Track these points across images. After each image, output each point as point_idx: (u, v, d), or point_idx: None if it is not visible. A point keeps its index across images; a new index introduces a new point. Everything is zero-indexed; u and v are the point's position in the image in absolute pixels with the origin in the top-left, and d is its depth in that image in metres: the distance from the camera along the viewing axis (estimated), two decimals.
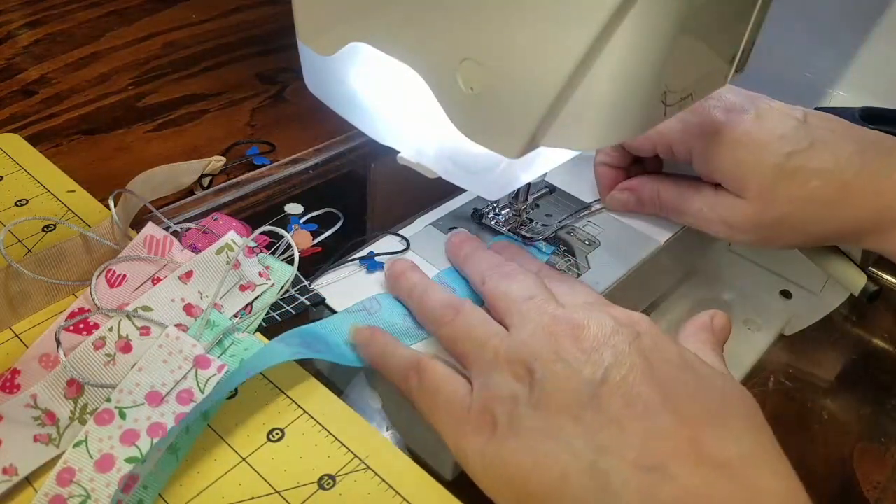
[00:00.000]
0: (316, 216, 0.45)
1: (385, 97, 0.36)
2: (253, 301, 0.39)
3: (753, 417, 0.29)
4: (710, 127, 0.40)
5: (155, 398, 0.32)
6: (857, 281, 0.45)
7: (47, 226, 0.42)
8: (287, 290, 0.40)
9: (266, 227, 0.41)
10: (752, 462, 0.27)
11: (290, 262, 0.41)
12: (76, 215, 0.43)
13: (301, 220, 0.45)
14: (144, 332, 0.35)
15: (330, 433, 0.33)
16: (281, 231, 0.41)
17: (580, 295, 0.35)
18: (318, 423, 0.33)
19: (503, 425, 0.30)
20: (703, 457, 0.26)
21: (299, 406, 0.34)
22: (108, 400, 0.32)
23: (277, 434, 0.33)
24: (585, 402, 0.28)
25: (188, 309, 0.37)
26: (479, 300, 0.38)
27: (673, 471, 0.26)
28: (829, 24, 0.56)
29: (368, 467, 0.32)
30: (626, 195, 0.46)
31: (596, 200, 0.48)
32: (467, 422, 0.31)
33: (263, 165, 0.51)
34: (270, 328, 0.38)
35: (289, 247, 0.41)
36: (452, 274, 0.41)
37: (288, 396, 0.34)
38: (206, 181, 0.50)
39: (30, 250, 0.40)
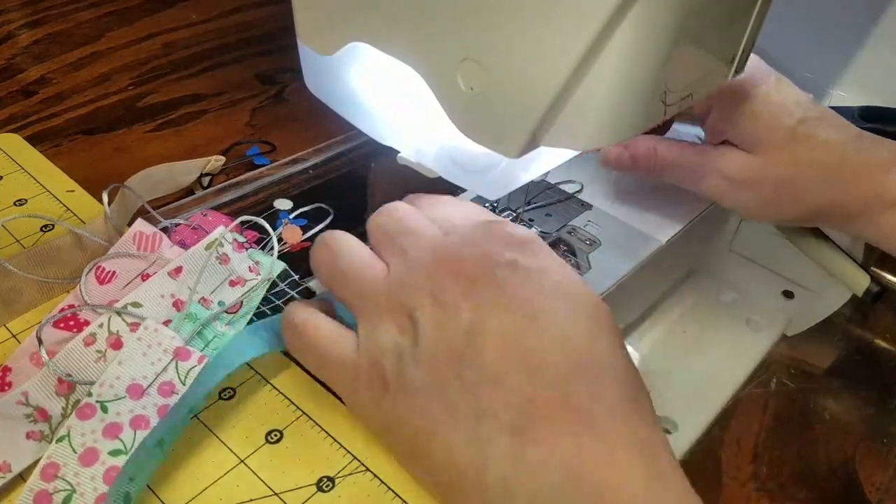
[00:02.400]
0: (306, 211, 0.45)
1: (385, 97, 0.36)
2: (243, 296, 0.39)
3: (617, 352, 0.29)
4: (735, 82, 0.41)
5: (136, 391, 0.32)
6: (860, 281, 0.45)
7: (45, 225, 0.42)
8: (277, 285, 0.40)
9: (246, 217, 0.40)
10: (621, 414, 0.27)
11: (280, 257, 0.41)
12: (75, 215, 0.43)
13: (290, 216, 0.45)
14: (134, 328, 0.35)
15: (329, 435, 0.33)
16: (264, 223, 0.41)
17: (459, 214, 0.33)
18: (316, 424, 0.33)
19: (393, 382, 0.29)
20: (572, 414, 0.26)
21: (298, 407, 0.34)
22: (90, 394, 0.31)
23: (276, 436, 0.33)
24: (464, 353, 0.28)
25: (178, 304, 0.37)
26: None
27: (539, 432, 0.26)
28: (830, 24, 0.56)
29: (367, 469, 0.31)
30: (620, 150, 0.46)
31: (578, 192, 0.48)
32: (358, 379, 0.30)
33: (263, 166, 0.51)
34: None
35: (279, 241, 0.41)
36: None
37: (286, 398, 0.34)
38: (205, 181, 0.50)
39: (26, 249, 0.40)
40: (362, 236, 0.33)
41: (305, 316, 0.33)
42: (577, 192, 0.48)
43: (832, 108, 0.48)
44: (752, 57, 0.43)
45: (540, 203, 0.47)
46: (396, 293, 0.30)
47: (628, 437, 0.26)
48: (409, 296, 0.30)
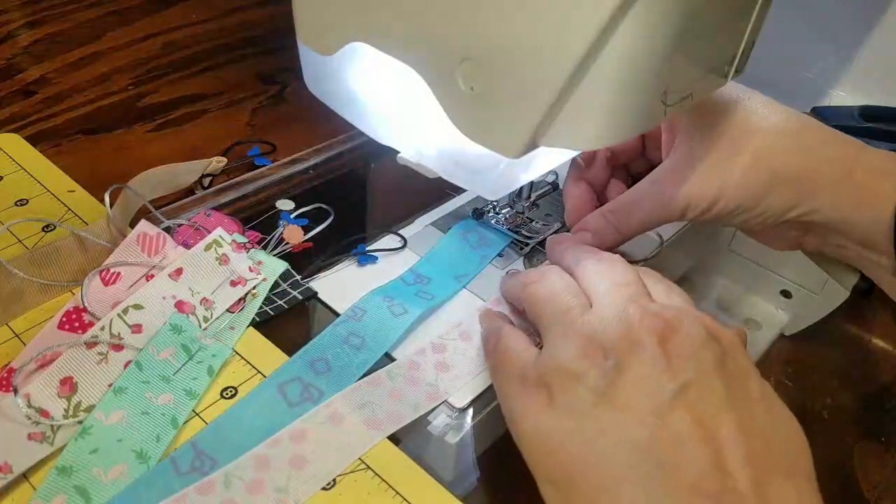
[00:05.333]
0: (307, 212, 0.45)
1: (385, 97, 0.36)
2: (245, 295, 0.39)
3: (808, 471, 0.28)
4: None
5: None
6: (851, 275, 0.45)
7: (47, 226, 0.42)
8: (280, 285, 0.40)
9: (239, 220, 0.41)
10: None
11: (282, 257, 0.41)
12: (76, 215, 0.43)
13: (292, 216, 0.45)
14: (136, 330, 0.35)
15: None
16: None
17: (676, 297, 0.34)
18: None
19: (561, 402, 0.29)
20: (762, 499, 0.26)
21: None
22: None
23: None
24: (656, 408, 0.27)
25: (179, 306, 0.37)
26: (453, 289, 0.40)
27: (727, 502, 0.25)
28: (829, 23, 0.56)
29: (368, 467, 0.32)
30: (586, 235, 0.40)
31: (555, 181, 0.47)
32: (524, 384, 0.30)
33: (264, 166, 0.51)
34: (263, 322, 0.38)
35: (280, 242, 0.42)
36: (427, 265, 0.42)
37: None
38: (206, 181, 0.50)
39: (29, 250, 0.40)
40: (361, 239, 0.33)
41: (496, 324, 0.36)
42: (554, 180, 0.48)
43: (832, 107, 0.48)
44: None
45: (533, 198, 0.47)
46: (594, 324, 0.30)
47: None
48: (607, 332, 0.30)
